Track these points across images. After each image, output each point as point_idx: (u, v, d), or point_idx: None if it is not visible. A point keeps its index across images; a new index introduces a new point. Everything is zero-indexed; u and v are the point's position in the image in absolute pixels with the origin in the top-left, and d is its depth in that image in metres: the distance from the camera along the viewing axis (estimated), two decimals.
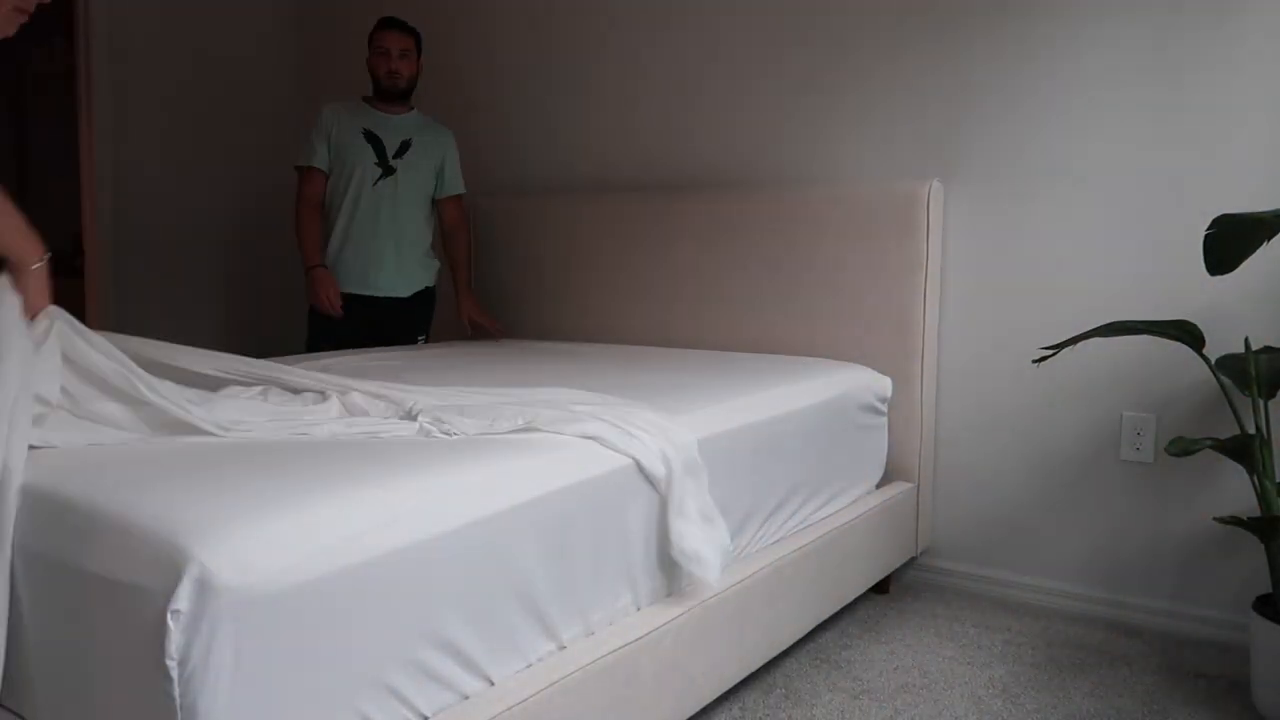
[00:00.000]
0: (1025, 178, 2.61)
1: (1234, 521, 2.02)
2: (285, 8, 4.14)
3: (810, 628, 2.24)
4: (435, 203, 3.28)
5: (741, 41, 3.04)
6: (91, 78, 3.50)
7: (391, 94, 3.14)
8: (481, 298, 3.51)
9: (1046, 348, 2.26)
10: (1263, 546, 2.11)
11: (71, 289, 4.24)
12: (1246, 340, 2.14)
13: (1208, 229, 1.95)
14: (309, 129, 3.17)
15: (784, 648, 2.13)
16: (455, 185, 3.29)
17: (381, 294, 3.15)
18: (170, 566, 1.06)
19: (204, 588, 1.04)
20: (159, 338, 1.82)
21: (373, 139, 3.11)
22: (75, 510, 1.20)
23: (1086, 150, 2.53)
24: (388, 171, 3.12)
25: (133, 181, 3.63)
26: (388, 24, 3.11)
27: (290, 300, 3.91)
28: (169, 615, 1.03)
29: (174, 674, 1.03)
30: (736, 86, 3.07)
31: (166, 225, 3.75)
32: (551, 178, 3.51)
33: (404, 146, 3.15)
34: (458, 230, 3.33)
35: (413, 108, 3.23)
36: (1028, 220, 2.62)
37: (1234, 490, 2.38)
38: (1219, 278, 2.08)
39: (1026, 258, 2.63)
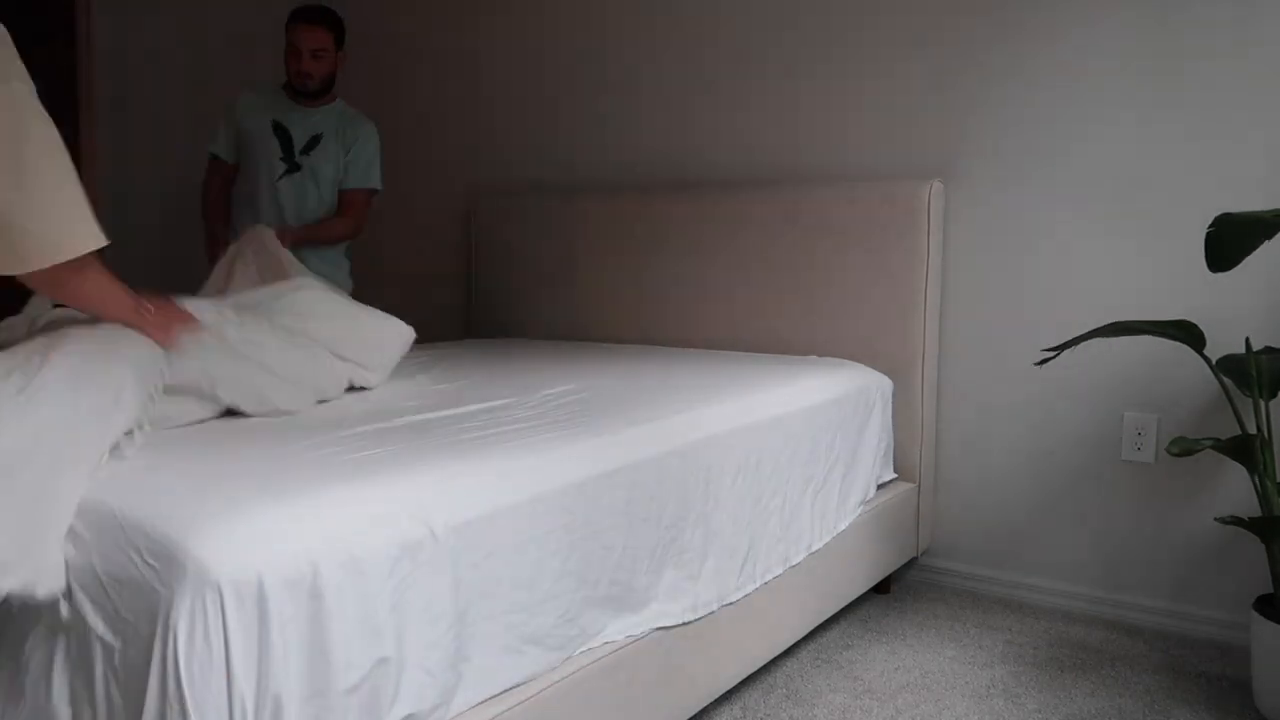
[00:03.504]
0: (1026, 178, 2.61)
1: (1235, 521, 2.02)
2: (282, 10, 4.14)
3: (811, 628, 2.24)
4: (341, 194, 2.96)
5: (742, 43, 3.04)
6: (92, 78, 3.50)
7: (302, 93, 2.89)
8: (483, 297, 3.53)
9: (1048, 349, 2.26)
10: (1263, 546, 2.11)
11: None
12: (1247, 340, 2.14)
13: (1208, 228, 1.95)
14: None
15: (785, 647, 2.13)
16: (361, 178, 2.94)
17: None
18: (168, 562, 1.06)
19: (202, 583, 1.04)
20: None
21: (280, 132, 2.88)
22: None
23: (1087, 150, 2.53)
24: (293, 168, 2.89)
25: (133, 182, 3.64)
26: (302, 16, 2.80)
27: None
28: (167, 610, 1.03)
29: (173, 669, 1.03)
30: (737, 87, 3.06)
31: (167, 225, 3.75)
32: (553, 178, 3.51)
33: (313, 142, 2.90)
34: (345, 221, 2.95)
35: (336, 98, 2.98)
36: (1028, 220, 2.62)
37: (1235, 490, 2.38)
38: (1220, 279, 2.08)
39: (1027, 258, 2.63)
